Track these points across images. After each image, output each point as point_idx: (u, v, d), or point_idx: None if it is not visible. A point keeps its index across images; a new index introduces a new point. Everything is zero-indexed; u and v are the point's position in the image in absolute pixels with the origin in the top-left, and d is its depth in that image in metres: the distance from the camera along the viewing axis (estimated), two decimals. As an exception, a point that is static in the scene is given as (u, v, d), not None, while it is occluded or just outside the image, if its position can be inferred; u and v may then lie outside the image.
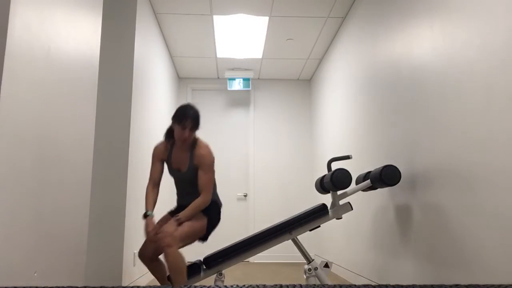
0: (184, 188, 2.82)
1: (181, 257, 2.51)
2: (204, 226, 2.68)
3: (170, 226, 2.54)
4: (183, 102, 6.19)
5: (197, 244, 5.89)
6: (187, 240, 2.60)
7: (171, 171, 2.82)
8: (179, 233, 2.53)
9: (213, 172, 2.72)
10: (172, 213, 2.85)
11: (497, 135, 1.80)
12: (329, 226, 5.03)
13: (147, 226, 2.62)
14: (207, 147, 2.74)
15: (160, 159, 2.83)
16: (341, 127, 4.53)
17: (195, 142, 2.76)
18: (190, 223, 2.61)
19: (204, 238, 2.75)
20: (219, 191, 6.02)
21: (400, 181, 2.80)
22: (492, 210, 1.83)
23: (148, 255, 2.68)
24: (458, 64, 2.12)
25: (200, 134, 6.17)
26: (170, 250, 2.46)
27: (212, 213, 2.75)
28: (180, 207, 2.86)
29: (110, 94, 3.37)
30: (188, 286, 1.35)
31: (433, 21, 2.39)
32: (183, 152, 2.77)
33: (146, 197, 2.77)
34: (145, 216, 2.67)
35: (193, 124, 2.66)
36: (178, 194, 2.88)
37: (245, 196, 6.05)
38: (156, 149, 2.83)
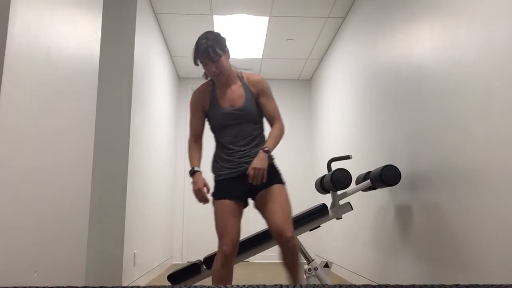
0: (243, 131, 2.28)
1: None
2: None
3: (261, 161, 2.12)
4: (183, 102, 6.19)
5: (197, 244, 5.89)
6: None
7: (222, 115, 2.27)
8: (288, 216, 2.14)
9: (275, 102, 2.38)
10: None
11: (497, 135, 1.80)
12: (329, 226, 5.03)
13: (195, 184, 2.18)
14: (259, 75, 2.36)
15: (201, 106, 2.34)
16: (341, 127, 4.53)
17: (240, 74, 2.34)
18: (286, 198, 2.21)
19: None
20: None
21: (400, 181, 2.80)
22: (492, 210, 1.83)
23: (234, 243, 2.17)
24: (458, 64, 2.12)
25: (200, 134, 6.17)
26: (294, 241, 2.11)
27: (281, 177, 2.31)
28: (240, 162, 2.26)
29: (110, 94, 3.37)
30: (188, 286, 1.35)
31: (433, 21, 2.39)
32: (232, 85, 2.31)
33: (190, 153, 2.32)
34: (192, 173, 2.24)
35: (212, 54, 2.17)
36: (236, 144, 2.28)
37: (245, 196, 6.05)
38: (194, 96, 2.36)
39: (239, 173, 2.26)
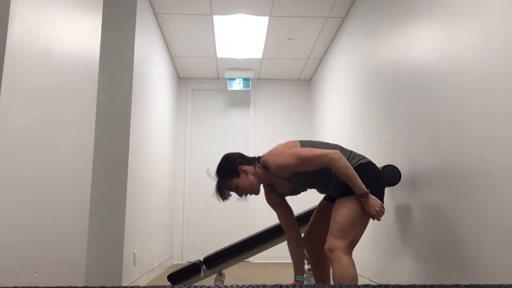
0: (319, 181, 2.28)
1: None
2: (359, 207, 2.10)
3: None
4: (183, 102, 6.19)
5: (197, 244, 5.89)
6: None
7: (284, 195, 2.40)
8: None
9: (303, 151, 2.11)
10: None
11: (497, 135, 1.80)
12: (329, 226, 5.02)
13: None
14: (272, 156, 2.18)
15: (273, 203, 2.41)
16: (341, 127, 4.53)
17: (264, 163, 2.23)
18: (343, 211, 2.11)
19: None
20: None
21: (400, 181, 2.80)
22: (492, 210, 1.83)
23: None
24: (458, 64, 2.12)
25: (201, 134, 6.17)
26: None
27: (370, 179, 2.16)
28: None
29: (110, 94, 3.37)
30: (188, 286, 1.35)
31: (433, 21, 2.39)
32: (270, 180, 2.31)
33: (291, 256, 2.34)
34: (295, 280, 2.29)
35: (222, 198, 2.28)
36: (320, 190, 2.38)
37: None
38: (265, 197, 2.45)
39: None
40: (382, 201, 2.17)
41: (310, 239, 2.45)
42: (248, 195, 2.28)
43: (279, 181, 2.26)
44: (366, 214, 2.11)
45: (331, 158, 2.06)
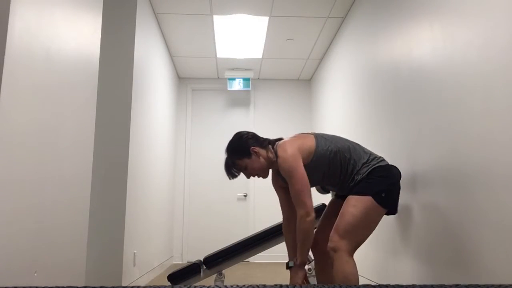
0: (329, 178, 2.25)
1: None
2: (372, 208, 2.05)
3: (292, 279, 2.10)
4: (183, 102, 6.19)
5: (197, 244, 5.89)
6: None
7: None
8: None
9: (300, 177, 2.06)
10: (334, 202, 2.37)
11: (497, 135, 1.80)
12: (329, 226, 5.03)
13: (292, 280, 2.10)
14: (283, 152, 2.12)
15: (278, 186, 2.35)
16: (341, 127, 4.53)
17: (276, 152, 2.19)
18: (352, 209, 2.05)
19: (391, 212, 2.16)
20: (219, 191, 6.01)
21: (400, 181, 2.79)
22: (492, 210, 1.83)
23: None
24: (458, 64, 2.12)
25: (201, 134, 6.18)
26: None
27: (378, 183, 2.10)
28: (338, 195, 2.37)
29: (110, 94, 3.37)
30: (188, 286, 1.35)
31: (433, 21, 2.39)
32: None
33: (286, 241, 2.27)
34: (287, 267, 2.20)
35: (229, 175, 2.25)
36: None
37: (245, 196, 6.05)
38: (271, 179, 2.42)
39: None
40: (396, 207, 2.14)
41: (319, 241, 2.36)
42: (256, 176, 2.23)
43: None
44: (376, 217, 2.07)
45: (303, 215, 2.03)
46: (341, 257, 2.00)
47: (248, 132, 2.30)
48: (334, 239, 2.03)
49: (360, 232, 2.05)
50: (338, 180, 2.20)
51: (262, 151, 2.22)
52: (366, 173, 2.12)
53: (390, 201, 2.11)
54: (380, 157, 2.23)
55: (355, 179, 2.14)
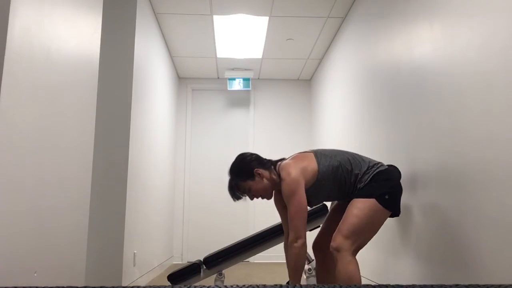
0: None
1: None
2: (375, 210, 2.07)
3: None
4: (183, 102, 6.19)
5: (197, 244, 5.89)
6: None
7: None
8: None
9: (297, 202, 2.08)
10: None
11: (497, 135, 1.80)
12: (329, 226, 5.02)
13: None
14: (287, 175, 2.12)
15: (280, 206, 2.35)
16: (341, 127, 4.53)
17: (279, 173, 2.21)
18: (356, 211, 2.06)
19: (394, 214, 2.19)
20: (219, 190, 6.01)
21: (400, 181, 2.80)
22: (492, 210, 1.83)
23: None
24: (458, 64, 2.12)
25: (201, 134, 6.18)
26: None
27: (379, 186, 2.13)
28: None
29: (110, 94, 3.37)
30: (188, 286, 1.35)
31: (433, 21, 2.39)
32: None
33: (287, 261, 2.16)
34: None
35: (234, 197, 2.26)
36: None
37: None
38: (274, 200, 2.42)
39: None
40: (399, 206, 2.17)
41: (321, 242, 2.39)
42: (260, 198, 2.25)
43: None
44: (380, 220, 2.09)
45: (293, 239, 2.03)
46: (344, 257, 2.01)
47: (252, 154, 2.31)
48: (338, 239, 2.05)
49: (364, 234, 2.07)
50: (343, 192, 2.23)
51: (266, 173, 2.23)
52: (367, 180, 2.16)
53: (394, 203, 2.13)
54: (379, 162, 2.26)
55: (357, 187, 2.17)
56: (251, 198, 2.26)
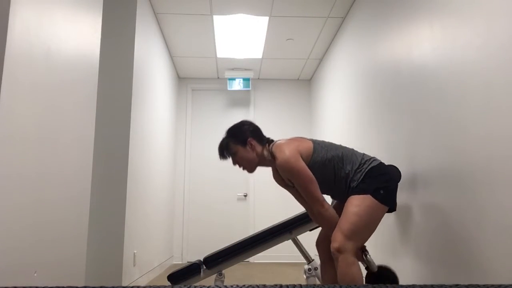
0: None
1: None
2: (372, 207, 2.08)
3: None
4: (183, 102, 6.19)
5: (197, 244, 5.89)
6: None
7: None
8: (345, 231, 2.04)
9: (304, 175, 2.08)
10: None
11: (497, 135, 1.80)
12: (329, 226, 5.02)
13: None
14: (281, 152, 2.11)
15: (284, 185, 2.35)
16: (341, 127, 4.53)
17: (273, 153, 2.19)
18: (354, 209, 2.07)
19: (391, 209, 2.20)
20: (219, 190, 6.01)
21: (400, 181, 2.80)
22: (492, 210, 1.83)
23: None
24: (458, 64, 2.12)
25: (201, 134, 6.18)
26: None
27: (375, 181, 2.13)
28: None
29: (110, 94, 3.37)
30: (188, 286, 1.35)
31: (433, 21, 2.39)
32: (274, 169, 2.31)
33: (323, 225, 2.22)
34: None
35: (220, 154, 2.27)
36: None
37: (245, 196, 6.05)
38: (273, 177, 2.43)
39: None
40: (395, 201, 2.17)
41: (324, 242, 2.39)
42: (242, 168, 2.25)
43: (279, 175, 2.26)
44: (378, 215, 2.10)
45: (319, 209, 2.09)
46: (346, 258, 2.02)
47: (253, 124, 2.30)
48: (339, 239, 2.04)
49: (364, 231, 2.09)
50: (332, 186, 2.23)
51: (258, 147, 2.24)
52: (360, 178, 2.16)
53: (390, 197, 2.14)
54: (372, 157, 2.25)
55: (351, 186, 2.17)
56: (234, 163, 2.26)
